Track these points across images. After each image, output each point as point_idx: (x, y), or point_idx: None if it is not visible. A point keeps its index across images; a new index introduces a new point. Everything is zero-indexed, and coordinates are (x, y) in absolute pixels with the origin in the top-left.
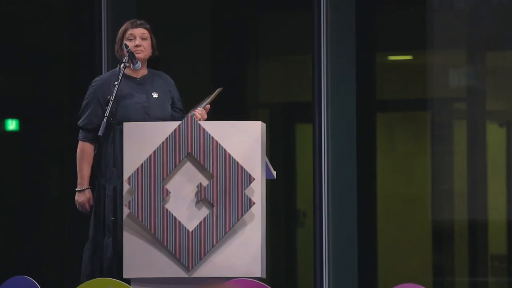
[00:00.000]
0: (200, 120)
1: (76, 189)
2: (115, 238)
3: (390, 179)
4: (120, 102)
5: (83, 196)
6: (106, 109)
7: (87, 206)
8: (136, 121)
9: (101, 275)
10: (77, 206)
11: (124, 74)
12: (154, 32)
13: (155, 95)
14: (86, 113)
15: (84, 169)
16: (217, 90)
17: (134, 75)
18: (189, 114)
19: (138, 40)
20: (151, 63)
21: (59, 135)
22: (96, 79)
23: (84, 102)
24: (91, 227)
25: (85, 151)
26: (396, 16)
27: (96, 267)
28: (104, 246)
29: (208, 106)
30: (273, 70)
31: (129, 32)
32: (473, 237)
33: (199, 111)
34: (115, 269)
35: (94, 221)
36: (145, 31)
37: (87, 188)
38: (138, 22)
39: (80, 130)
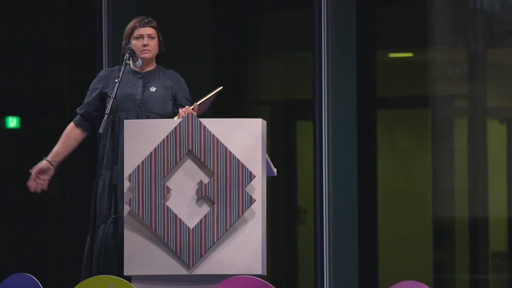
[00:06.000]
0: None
1: None
2: (115, 236)
3: (390, 176)
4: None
5: (39, 165)
6: (107, 107)
7: (33, 175)
8: (128, 114)
9: (97, 266)
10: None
11: (130, 69)
12: None
13: (152, 89)
14: (84, 101)
15: (56, 146)
16: (217, 89)
17: (138, 70)
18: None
19: (146, 39)
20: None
21: (60, 132)
22: (103, 70)
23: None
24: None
25: (67, 130)
26: (396, 13)
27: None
28: (96, 237)
29: (197, 106)
30: (274, 67)
31: (137, 31)
32: (473, 234)
33: (184, 110)
34: (104, 257)
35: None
36: (153, 31)
37: (44, 160)
38: (146, 20)
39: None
